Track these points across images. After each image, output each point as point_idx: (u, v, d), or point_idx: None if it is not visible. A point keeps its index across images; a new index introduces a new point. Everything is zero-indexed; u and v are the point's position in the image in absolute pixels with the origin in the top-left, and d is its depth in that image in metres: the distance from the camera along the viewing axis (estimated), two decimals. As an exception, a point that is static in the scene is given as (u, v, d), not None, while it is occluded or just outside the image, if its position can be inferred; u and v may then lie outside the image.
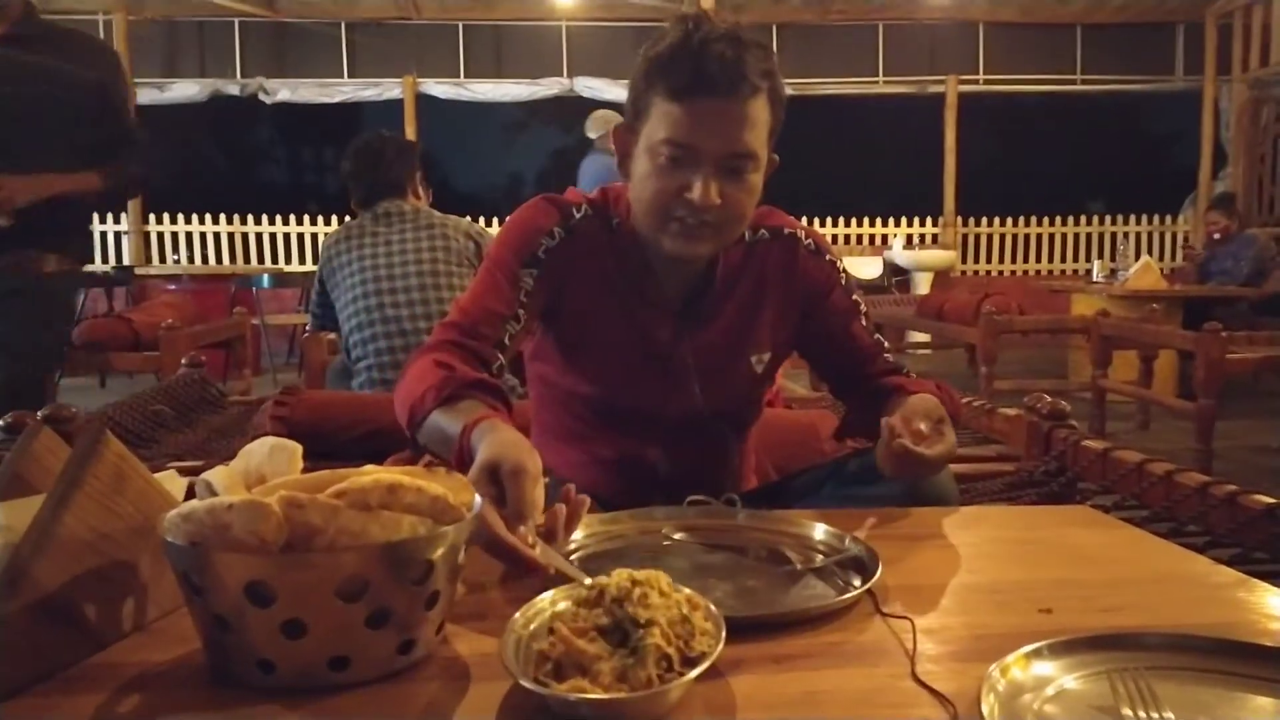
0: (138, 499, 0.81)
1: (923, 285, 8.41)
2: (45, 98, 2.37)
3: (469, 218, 2.80)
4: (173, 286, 7.20)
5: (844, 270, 1.41)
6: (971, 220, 9.20)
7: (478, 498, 0.81)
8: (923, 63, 8.94)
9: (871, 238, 9.15)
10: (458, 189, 14.98)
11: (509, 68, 8.76)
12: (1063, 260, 9.25)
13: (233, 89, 8.51)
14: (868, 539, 1.00)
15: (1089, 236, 9.28)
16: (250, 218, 8.83)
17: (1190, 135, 9.24)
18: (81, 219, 2.66)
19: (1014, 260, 9.24)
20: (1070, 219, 9.29)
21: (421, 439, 1.16)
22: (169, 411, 2.27)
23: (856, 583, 0.91)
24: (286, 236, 8.85)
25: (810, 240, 1.39)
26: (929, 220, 9.13)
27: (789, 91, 1.26)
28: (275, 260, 8.79)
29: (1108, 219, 9.34)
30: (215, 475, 0.76)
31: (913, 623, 0.81)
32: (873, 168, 14.71)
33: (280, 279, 7.27)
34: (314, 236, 8.72)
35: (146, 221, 8.64)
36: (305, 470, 0.79)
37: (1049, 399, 1.75)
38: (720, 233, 1.23)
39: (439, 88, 8.67)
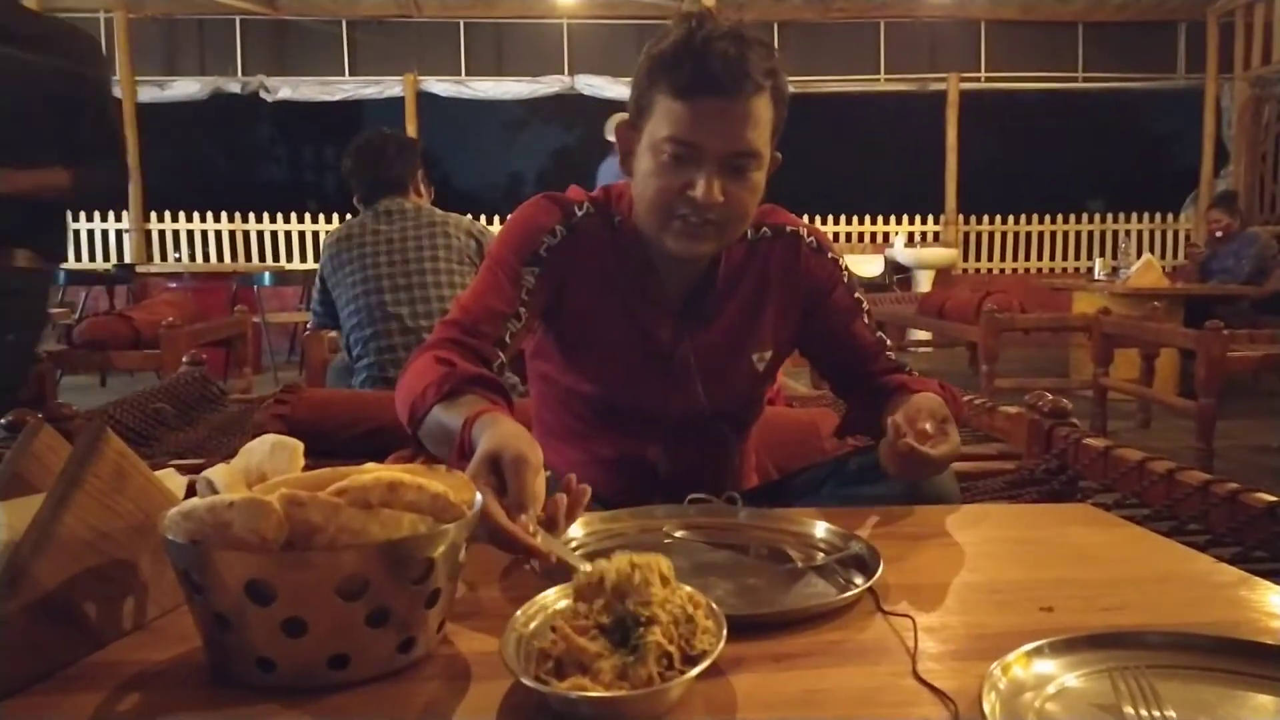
0: (138, 497, 0.81)
1: (924, 283, 8.41)
2: (11, 90, 2.21)
3: (470, 216, 2.80)
4: (174, 284, 7.19)
5: (846, 268, 1.41)
6: (973, 218, 9.20)
7: (479, 496, 0.81)
8: (924, 61, 8.94)
9: (873, 236, 9.16)
10: (459, 187, 14.99)
11: (510, 65, 8.76)
12: (1064, 258, 9.25)
13: (233, 87, 8.52)
14: (869, 537, 1.00)
15: (1090, 235, 9.28)
16: (251, 216, 8.84)
17: (1192, 133, 9.23)
18: (54, 212, 2.43)
19: (1015, 258, 9.24)
20: (1072, 217, 9.29)
21: (422, 435, 1.16)
22: (170, 410, 2.27)
23: (858, 581, 0.91)
24: (288, 234, 8.85)
25: (813, 238, 1.38)
26: (930, 218, 9.13)
27: (790, 89, 1.26)
28: (276, 258, 8.80)
29: (1109, 217, 9.33)
30: (216, 473, 0.76)
31: (914, 621, 0.81)
32: (874, 166, 14.71)
33: (281, 277, 7.28)
34: (315, 234, 8.72)
35: (147, 219, 8.65)
36: (306, 468, 0.79)
37: (1050, 397, 1.75)
38: (723, 231, 1.23)
39: (440, 85, 8.67)
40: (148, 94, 8.40)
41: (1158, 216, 9.35)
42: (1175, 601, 0.91)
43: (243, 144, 17.97)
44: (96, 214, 8.63)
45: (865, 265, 8.43)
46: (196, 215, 8.78)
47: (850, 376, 1.41)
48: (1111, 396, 4.75)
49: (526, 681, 0.64)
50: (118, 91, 8.12)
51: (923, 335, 6.99)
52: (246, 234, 8.83)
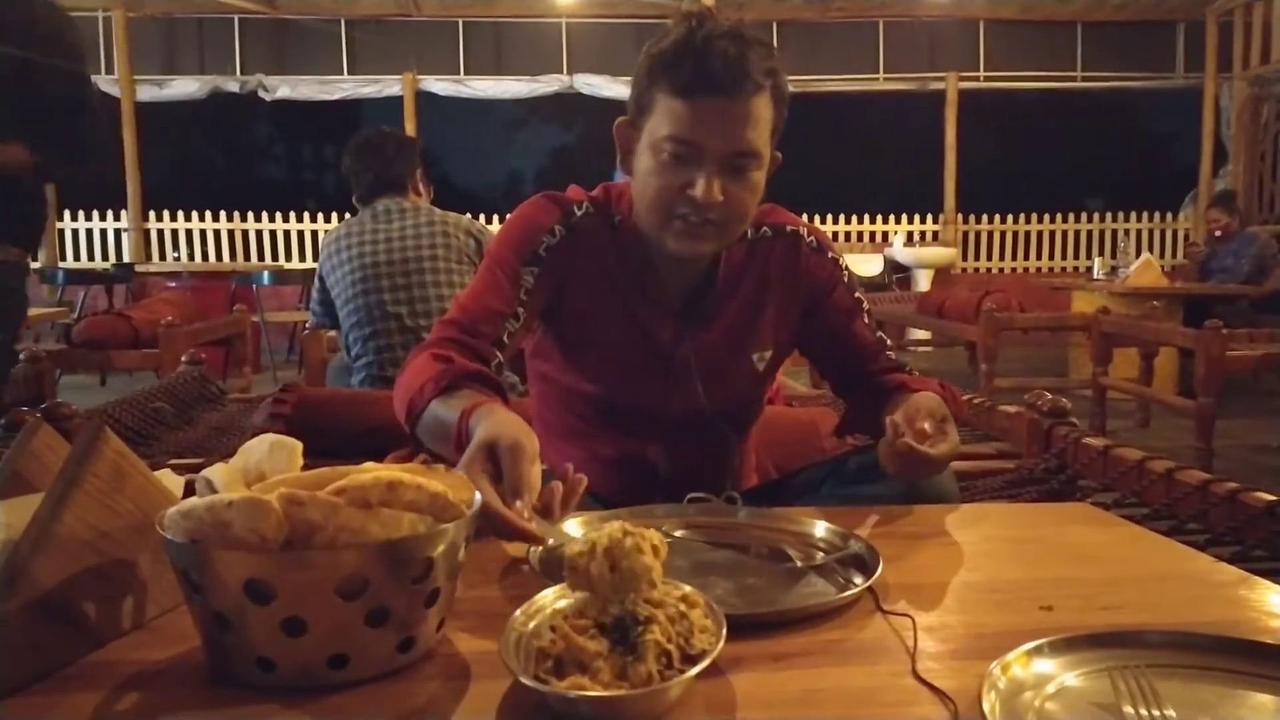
0: (137, 496, 0.81)
1: (923, 283, 8.41)
2: None
3: (469, 215, 2.80)
4: (173, 284, 7.20)
5: (847, 268, 1.41)
6: (972, 217, 9.20)
7: (478, 496, 0.81)
8: (923, 60, 8.94)
9: (872, 235, 9.16)
10: (458, 186, 14.97)
11: (509, 65, 8.76)
12: (1063, 258, 9.25)
13: (232, 86, 8.51)
14: (868, 537, 1.00)
15: (1089, 234, 9.28)
16: (250, 215, 8.84)
17: (1191, 133, 9.23)
18: (26, 201, 2.22)
19: (1014, 257, 9.24)
20: (1071, 216, 9.30)
21: (420, 431, 1.16)
22: (169, 409, 2.27)
23: (857, 580, 0.91)
24: (286, 233, 8.85)
25: (813, 238, 1.38)
26: (929, 217, 9.13)
27: (790, 89, 1.26)
28: (275, 257, 8.80)
29: (1108, 216, 9.34)
30: (215, 472, 0.75)
31: (913, 620, 0.81)
32: (873, 165, 14.69)
33: (280, 276, 7.28)
34: (314, 233, 8.72)
35: (146, 218, 8.64)
36: (305, 468, 0.78)
37: (1049, 396, 1.75)
38: (723, 231, 1.23)
39: (439, 85, 8.67)
40: (146, 93, 8.40)
41: (1157, 216, 9.36)
42: (1175, 601, 0.91)
43: (241, 143, 17.95)
44: (95, 213, 8.63)
45: (864, 264, 8.43)
46: (195, 214, 8.78)
47: (850, 376, 1.41)
48: (1111, 396, 4.75)
49: (526, 681, 0.64)
50: (115, 89, 8.13)
51: (922, 334, 6.99)
52: (245, 233, 8.83)
